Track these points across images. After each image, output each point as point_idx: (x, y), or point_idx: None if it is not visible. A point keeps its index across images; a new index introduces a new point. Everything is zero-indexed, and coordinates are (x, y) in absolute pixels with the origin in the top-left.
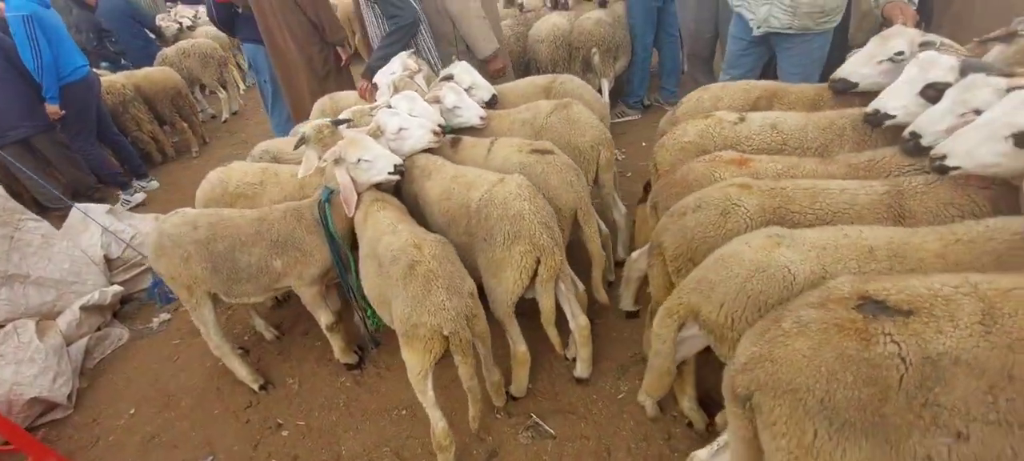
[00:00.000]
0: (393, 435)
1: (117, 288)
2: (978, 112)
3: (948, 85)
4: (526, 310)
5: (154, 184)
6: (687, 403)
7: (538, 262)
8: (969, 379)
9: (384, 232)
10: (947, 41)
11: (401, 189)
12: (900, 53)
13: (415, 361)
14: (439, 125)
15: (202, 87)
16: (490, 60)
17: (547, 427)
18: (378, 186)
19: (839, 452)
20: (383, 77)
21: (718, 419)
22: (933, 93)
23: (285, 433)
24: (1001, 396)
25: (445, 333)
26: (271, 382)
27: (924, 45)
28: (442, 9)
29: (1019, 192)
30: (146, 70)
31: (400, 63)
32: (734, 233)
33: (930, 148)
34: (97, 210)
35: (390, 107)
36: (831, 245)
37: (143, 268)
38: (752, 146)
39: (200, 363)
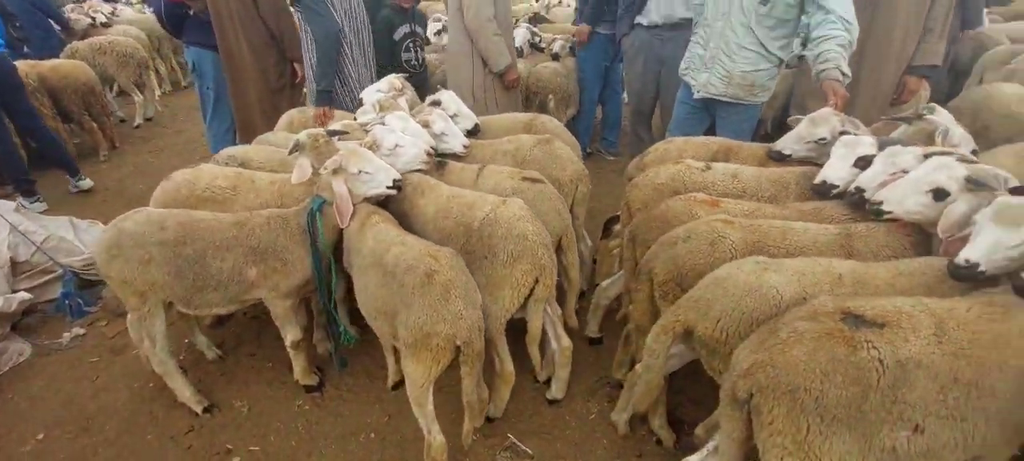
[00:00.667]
0: (363, 459)
1: (24, 295)
2: (904, 171)
3: (874, 156)
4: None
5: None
6: (658, 422)
7: (536, 282)
8: (927, 381)
9: (392, 243)
10: (862, 126)
11: (388, 205)
12: (823, 139)
13: (420, 372)
14: (431, 147)
15: (111, 87)
16: (505, 73)
17: (524, 447)
18: (371, 200)
19: (827, 445)
20: (369, 94)
21: (698, 430)
22: (863, 163)
23: (236, 459)
24: (949, 395)
25: (459, 342)
26: (215, 405)
27: (843, 132)
28: (463, 26)
29: (932, 238)
30: (55, 61)
31: (386, 83)
32: (720, 261)
33: (874, 203)
34: (5, 206)
35: (384, 124)
36: (809, 272)
37: (52, 276)
38: (717, 191)
39: (125, 384)
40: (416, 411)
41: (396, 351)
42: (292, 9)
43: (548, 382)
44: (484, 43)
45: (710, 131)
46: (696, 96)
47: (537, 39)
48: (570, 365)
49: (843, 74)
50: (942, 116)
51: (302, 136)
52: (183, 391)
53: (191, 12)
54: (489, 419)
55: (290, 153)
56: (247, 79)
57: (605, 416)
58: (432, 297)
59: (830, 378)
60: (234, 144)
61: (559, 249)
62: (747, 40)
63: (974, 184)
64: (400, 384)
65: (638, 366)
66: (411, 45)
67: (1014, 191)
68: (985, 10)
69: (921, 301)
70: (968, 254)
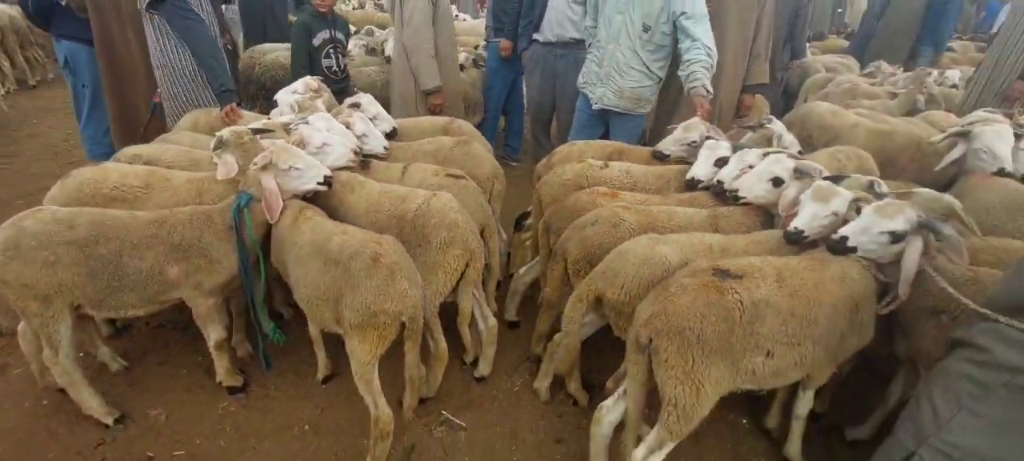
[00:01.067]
0: (299, 451)
1: None
2: (751, 167)
3: (729, 156)
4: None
5: None
6: (574, 386)
7: (466, 265)
8: (773, 316)
9: (333, 233)
10: (720, 133)
11: (316, 202)
12: (693, 141)
13: (366, 350)
14: (357, 146)
15: None
16: (432, 93)
17: (458, 421)
18: (300, 196)
19: (707, 372)
20: (284, 96)
21: (609, 383)
22: (722, 162)
23: None
24: (789, 326)
25: (405, 319)
26: (128, 416)
27: (707, 137)
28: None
29: (774, 217)
30: None
31: (302, 84)
32: (622, 240)
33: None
34: None
35: (309, 123)
36: (689, 243)
37: None
38: (614, 185)
39: (13, 404)
40: (362, 388)
41: (325, 344)
42: (147, 13)
43: (475, 363)
44: (416, 60)
45: (605, 136)
46: (593, 107)
47: None
48: (496, 344)
49: (707, 90)
50: (777, 125)
51: (226, 133)
52: (90, 402)
53: (63, 2)
54: (422, 400)
55: (214, 150)
56: (135, 77)
57: (528, 387)
58: (379, 278)
59: (707, 318)
60: (112, 147)
61: (482, 239)
62: (634, 61)
63: (800, 173)
64: (330, 378)
65: (557, 336)
66: (331, 51)
67: (826, 178)
68: (807, 44)
69: (767, 258)
70: (796, 223)
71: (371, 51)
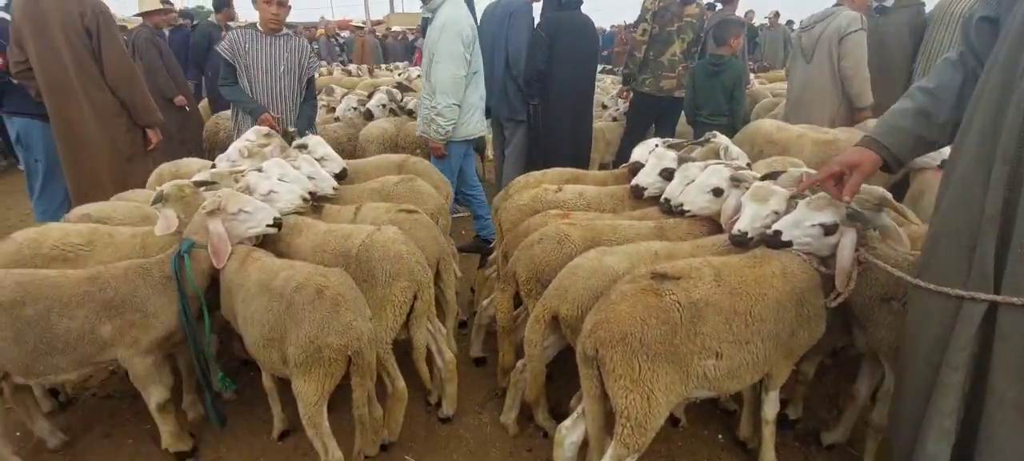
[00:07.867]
0: None
1: None
2: (693, 181)
3: (675, 168)
4: None
5: None
6: (542, 415)
7: (415, 298)
8: (715, 315)
9: (280, 269)
10: (673, 142)
11: (264, 247)
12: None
13: (312, 389)
14: (309, 192)
15: None
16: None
17: None
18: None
19: (655, 377)
20: (233, 146)
21: (573, 402)
22: (667, 173)
23: None
24: (733, 324)
25: (350, 353)
26: None
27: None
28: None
29: (720, 226)
30: None
31: (254, 132)
32: (568, 256)
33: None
34: None
35: (260, 171)
36: (635, 252)
37: None
38: (569, 207)
39: None
40: (310, 432)
41: (280, 398)
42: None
43: (440, 404)
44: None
45: None
46: None
47: (404, 102)
48: (457, 380)
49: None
50: (722, 139)
51: (166, 187)
52: None
53: (14, 80)
54: (384, 447)
55: (153, 204)
56: (93, 148)
57: (496, 425)
58: (322, 311)
59: (647, 322)
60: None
61: (437, 274)
62: None
63: (737, 181)
64: (286, 434)
65: (519, 363)
66: None
67: (764, 177)
68: (753, 76)
69: (706, 259)
70: (739, 225)
71: (330, 110)
